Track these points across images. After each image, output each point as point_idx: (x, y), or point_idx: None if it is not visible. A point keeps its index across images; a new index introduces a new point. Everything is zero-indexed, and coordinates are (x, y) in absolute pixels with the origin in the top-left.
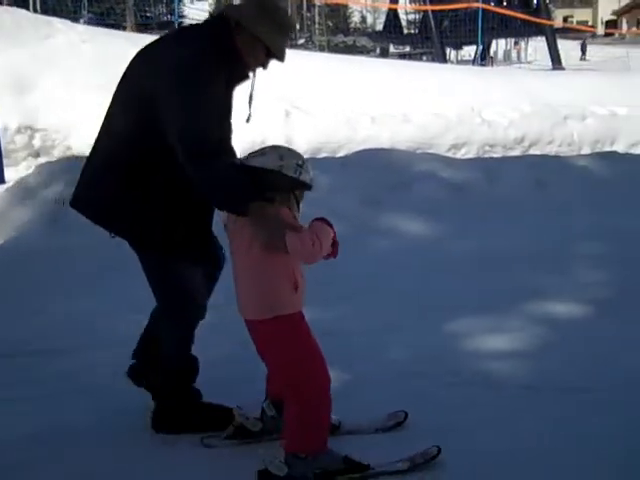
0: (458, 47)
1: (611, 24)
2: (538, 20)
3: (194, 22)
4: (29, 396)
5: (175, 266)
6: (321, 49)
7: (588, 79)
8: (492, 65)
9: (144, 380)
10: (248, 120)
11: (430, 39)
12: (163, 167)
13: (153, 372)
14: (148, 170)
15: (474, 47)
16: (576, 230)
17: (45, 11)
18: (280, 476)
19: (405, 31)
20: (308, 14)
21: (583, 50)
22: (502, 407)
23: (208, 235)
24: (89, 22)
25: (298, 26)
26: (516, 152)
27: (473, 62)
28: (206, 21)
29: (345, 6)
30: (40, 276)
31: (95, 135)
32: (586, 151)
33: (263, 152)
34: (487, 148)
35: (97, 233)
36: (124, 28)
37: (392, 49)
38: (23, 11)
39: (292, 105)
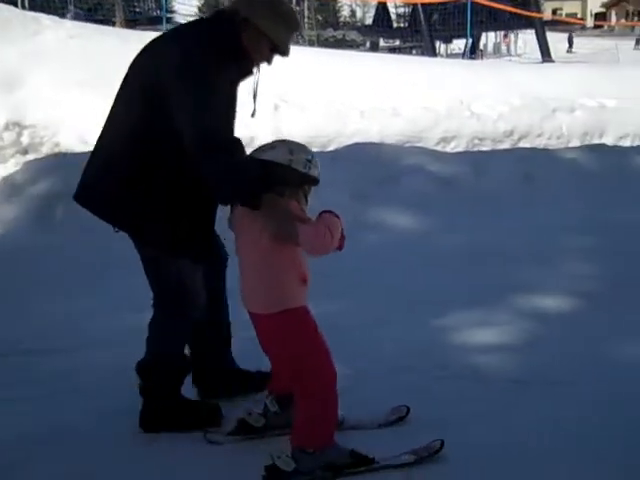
0: (448, 40)
1: (600, 16)
2: (527, 13)
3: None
4: (28, 396)
5: (175, 263)
6: (311, 43)
7: (577, 71)
8: (482, 58)
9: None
10: (253, 115)
11: (420, 32)
12: (166, 162)
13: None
14: (151, 165)
15: (464, 40)
16: (565, 223)
17: (33, 7)
18: (287, 471)
19: (395, 25)
20: (297, 8)
21: (570, 43)
22: (492, 401)
23: (211, 233)
24: (76, 17)
25: None
26: (505, 145)
27: (463, 55)
28: (211, 16)
29: (334, 0)
30: (27, 274)
31: (83, 132)
32: (575, 144)
33: (273, 146)
34: (476, 141)
35: (84, 231)
36: (113, 23)
37: (382, 43)
38: (11, 7)
39: (281, 99)
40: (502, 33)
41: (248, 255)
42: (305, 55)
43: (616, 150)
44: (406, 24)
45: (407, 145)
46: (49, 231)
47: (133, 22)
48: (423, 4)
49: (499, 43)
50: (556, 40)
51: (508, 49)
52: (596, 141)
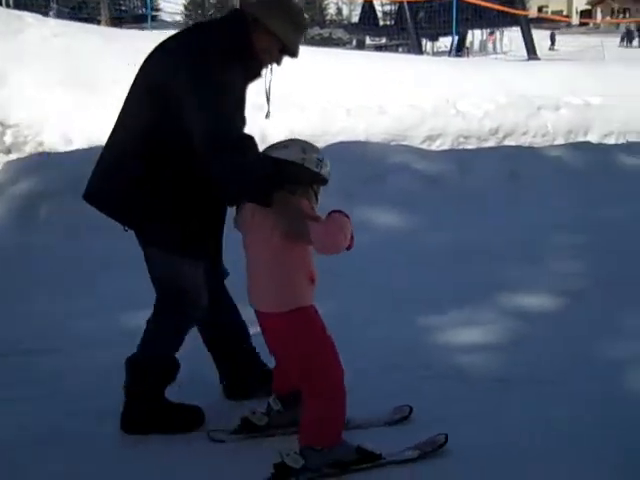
0: (434, 38)
1: (586, 14)
2: (513, 10)
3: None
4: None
5: (180, 263)
6: None
7: (562, 69)
8: (468, 56)
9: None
10: (267, 116)
11: (406, 30)
12: (175, 162)
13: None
14: (160, 165)
15: (450, 38)
16: (550, 221)
17: (17, 5)
18: (296, 468)
19: (381, 23)
20: None
21: (552, 40)
22: (479, 401)
23: (218, 234)
24: (59, 15)
25: None
26: (491, 143)
27: (449, 53)
28: (223, 17)
29: None
30: (9, 273)
31: (67, 131)
32: (560, 141)
33: (285, 145)
34: (462, 139)
35: (68, 231)
36: (98, 22)
37: (368, 41)
38: None
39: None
40: (488, 31)
41: (258, 253)
42: None
43: (601, 148)
44: (392, 22)
45: (393, 143)
46: (32, 231)
47: (118, 20)
48: (409, 2)
49: (485, 41)
50: (540, 38)
51: (494, 47)
52: (581, 139)
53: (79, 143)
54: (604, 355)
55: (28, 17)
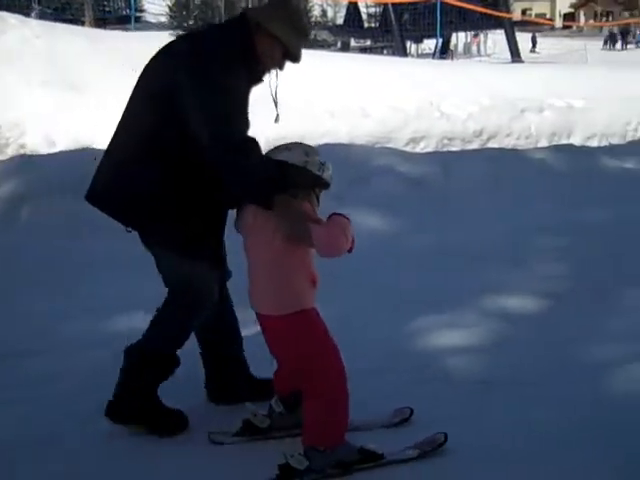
0: (419, 40)
1: (569, 17)
2: (497, 13)
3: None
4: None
5: (187, 262)
6: None
7: (546, 72)
8: (452, 58)
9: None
10: (277, 120)
11: (390, 32)
12: (178, 164)
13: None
14: (163, 166)
15: (435, 40)
16: (533, 224)
17: None
18: (300, 469)
19: (366, 25)
20: None
21: (533, 43)
22: (462, 403)
23: (220, 233)
24: (41, 16)
25: None
26: (474, 145)
27: (433, 55)
28: (227, 21)
29: (306, 0)
30: None
31: (49, 133)
32: (543, 144)
33: (288, 147)
34: (446, 141)
35: (49, 232)
36: (82, 23)
37: (353, 43)
38: None
39: (251, 99)
40: (472, 33)
41: (260, 256)
42: None
43: (584, 150)
44: (377, 24)
45: (377, 146)
46: (13, 232)
47: (102, 21)
48: (394, 4)
49: (469, 43)
50: (521, 40)
51: (478, 49)
52: (564, 141)
53: (62, 145)
54: (586, 358)
55: (10, 18)
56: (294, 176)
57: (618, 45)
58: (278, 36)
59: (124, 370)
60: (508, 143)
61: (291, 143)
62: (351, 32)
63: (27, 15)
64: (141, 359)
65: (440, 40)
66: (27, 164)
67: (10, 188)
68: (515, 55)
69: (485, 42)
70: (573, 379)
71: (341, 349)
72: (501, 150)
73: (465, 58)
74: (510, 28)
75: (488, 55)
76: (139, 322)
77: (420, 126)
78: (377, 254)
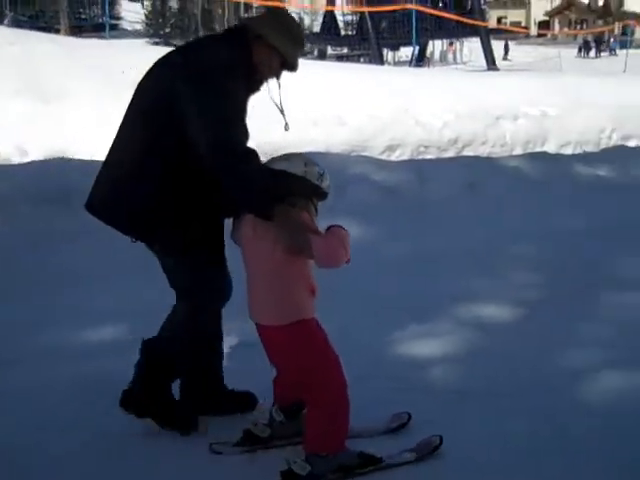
0: (395, 48)
1: (544, 25)
2: (472, 22)
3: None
4: None
5: (192, 265)
6: None
7: (521, 80)
8: (429, 66)
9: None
10: (287, 128)
11: (367, 40)
12: (177, 171)
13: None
14: (162, 174)
15: (411, 48)
16: (508, 231)
17: None
18: (302, 475)
19: (342, 32)
20: (246, 15)
21: (506, 50)
22: (436, 413)
23: (221, 237)
24: (16, 24)
25: None
26: (450, 153)
27: (410, 63)
28: (224, 31)
29: (282, 8)
30: None
31: (22, 141)
32: (518, 151)
33: (287, 157)
34: (422, 149)
35: (20, 241)
36: (57, 31)
37: (330, 51)
38: None
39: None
40: (448, 41)
41: (259, 266)
42: None
43: (557, 158)
44: (354, 32)
45: (352, 154)
46: None
47: (78, 29)
48: (370, 12)
49: (446, 51)
50: (497, 48)
51: (454, 57)
52: (539, 149)
53: (35, 154)
54: (561, 367)
55: None
56: (293, 185)
57: (592, 53)
58: (276, 47)
59: (141, 365)
60: (483, 151)
61: (290, 153)
62: (328, 40)
63: (0, 22)
64: (158, 358)
65: (416, 48)
66: None
67: None
68: (491, 63)
69: (461, 50)
70: (548, 389)
71: None
72: (476, 158)
73: (441, 66)
74: (486, 36)
75: (464, 63)
76: (117, 333)
77: (396, 134)
78: (353, 262)
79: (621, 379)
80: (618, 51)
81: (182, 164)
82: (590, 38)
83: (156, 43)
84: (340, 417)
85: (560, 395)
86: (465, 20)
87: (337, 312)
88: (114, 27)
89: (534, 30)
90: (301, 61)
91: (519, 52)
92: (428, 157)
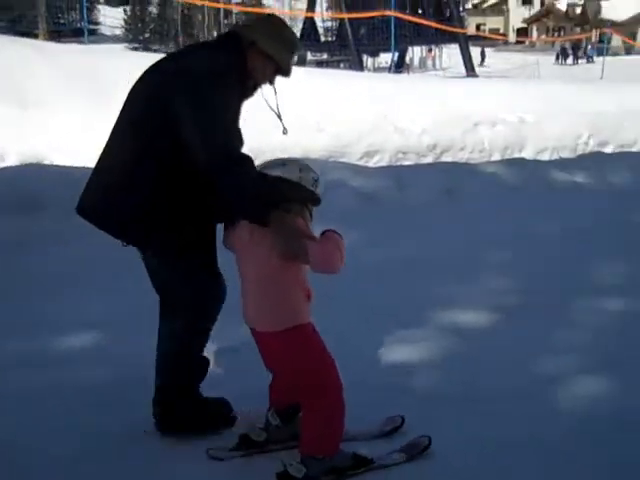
0: (375, 54)
1: (522, 32)
2: (450, 28)
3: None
4: None
5: (183, 271)
6: None
7: (499, 86)
8: (408, 72)
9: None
10: (285, 132)
11: (347, 46)
12: (170, 176)
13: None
14: (154, 179)
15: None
16: (485, 237)
17: None
18: (298, 477)
19: (322, 38)
20: (225, 21)
21: (482, 57)
22: (412, 418)
23: (214, 241)
24: None
25: (215, 33)
26: (428, 159)
27: (389, 69)
28: (217, 37)
29: (262, 14)
30: None
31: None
32: (496, 157)
33: (283, 163)
34: (400, 155)
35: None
36: (36, 36)
37: (310, 56)
38: None
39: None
40: (427, 48)
41: (255, 272)
42: None
43: (535, 164)
44: (334, 38)
45: (331, 160)
46: None
47: (57, 34)
48: (350, 19)
49: (425, 57)
50: (475, 54)
51: (433, 63)
52: (516, 155)
53: (11, 160)
54: (537, 373)
55: None
56: (288, 191)
57: (569, 60)
58: (270, 54)
59: (159, 383)
60: (462, 157)
61: (285, 159)
62: (308, 46)
63: None
64: (174, 376)
65: (396, 54)
66: None
67: None
68: (469, 69)
69: (440, 56)
70: (524, 395)
71: None
72: (454, 164)
73: (421, 72)
74: (464, 43)
75: (443, 69)
76: (84, 341)
77: (375, 140)
78: None
79: (596, 384)
80: (595, 58)
81: (176, 167)
82: (568, 45)
83: (135, 48)
84: (336, 420)
85: (536, 400)
86: (444, 27)
87: (315, 316)
88: (93, 32)
89: (512, 37)
90: None
91: (497, 59)
92: (406, 163)
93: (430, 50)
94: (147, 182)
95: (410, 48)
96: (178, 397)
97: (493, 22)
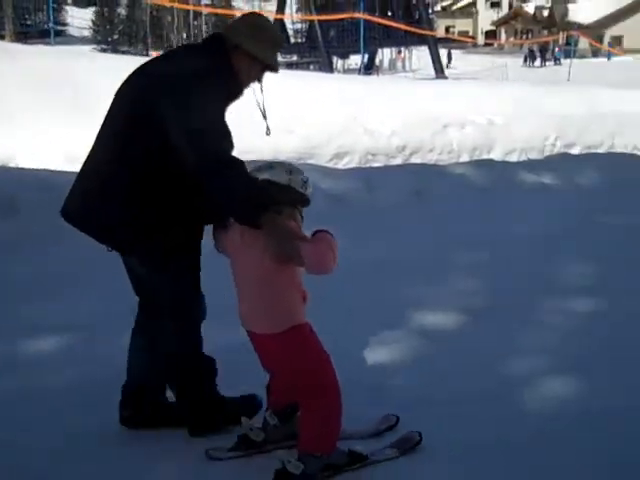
0: (345, 56)
1: (491, 34)
2: (420, 31)
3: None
4: None
5: (169, 276)
6: None
7: (468, 88)
8: (378, 74)
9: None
10: (268, 133)
11: (317, 48)
12: (157, 179)
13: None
14: (140, 182)
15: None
16: (454, 238)
17: None
18: (296, 474)
19: (292, 40)
20: (195, 22)
21: (449, 58)
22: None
23: (200, 244)
24: None
25: (185, 35)
26: (398, 160)
27: (359, 71)
28: (203, 40)
29: (232, 16)
30: None
31: None
32: (465, 159)
33: (271, 166)
34: (369, 157)
35: None
36: (2, 37)
37: (279, 58)
38: None
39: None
40: (397, 49)
41: (249, 274)
42: None
43: (503, 165)
44: (303, 40)
45: (300, 162)
46: None
47: (23, 35)
48: (319, 21)
49: (394, 59)
50: (442, 56)
51: (403, 65)
52: (485, 156)
53: None
54: (505, 375)
55: None
56: (280, 194)
57: (537, 62)
58: (255, 55)
59: (174, 389)
60: (431, 158)
61: (274, 162)
62: None
63: None
64: (183, 379)
65: (366, 56)
66: None
67: None
68: (439, 71)
69: (410, 58)
70: (491, 397)
71: (259, 368)
72: (423, 165)
73: (390, 74)
74: (434, 45)
75: (413, 71)
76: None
77: (344, 142)
78: None
79: (564, 386)
80: (562, 60)
81: (160, 170)
82: (535, 48)
83: (104, 50)
84: (333, 419)
85: (503, 402)
86: (413, 30)
87: None
88: (60, 33)
89: (481, 39)
90: None
91: (466, 61)
92: (376, 165)
93: (400, 52)
94: (122, 189)
95: (380, 50)
96: (200, 400)
97: (462, 24)
